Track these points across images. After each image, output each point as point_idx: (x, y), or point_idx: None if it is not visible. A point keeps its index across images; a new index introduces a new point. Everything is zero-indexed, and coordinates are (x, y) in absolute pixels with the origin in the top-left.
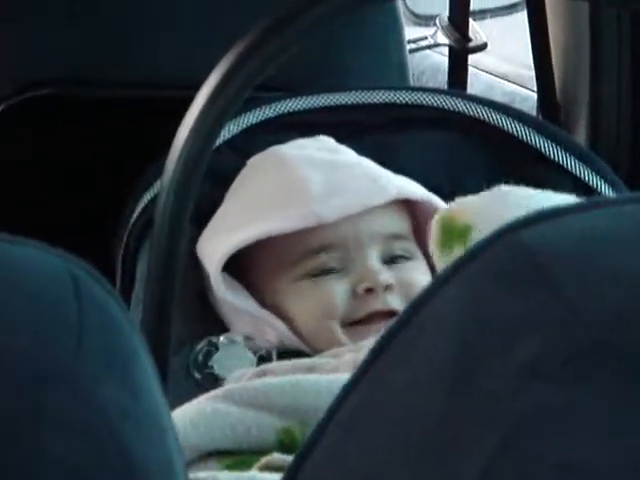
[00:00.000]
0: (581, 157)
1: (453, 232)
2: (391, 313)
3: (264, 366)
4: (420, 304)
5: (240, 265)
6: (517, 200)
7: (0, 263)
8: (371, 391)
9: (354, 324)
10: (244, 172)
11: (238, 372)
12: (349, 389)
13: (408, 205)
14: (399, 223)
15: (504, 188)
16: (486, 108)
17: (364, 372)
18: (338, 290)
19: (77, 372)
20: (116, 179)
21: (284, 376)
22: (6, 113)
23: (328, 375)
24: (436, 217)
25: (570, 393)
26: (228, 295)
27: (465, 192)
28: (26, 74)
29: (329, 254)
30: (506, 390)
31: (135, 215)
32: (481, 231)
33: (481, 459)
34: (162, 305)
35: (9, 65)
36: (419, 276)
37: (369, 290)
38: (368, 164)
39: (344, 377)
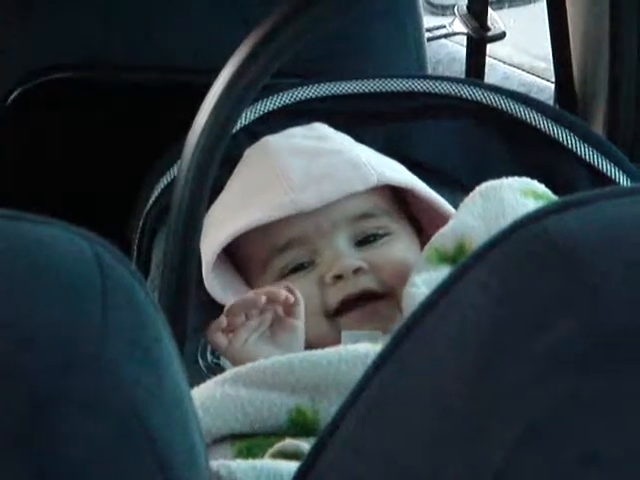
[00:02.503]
0: (598, 147)
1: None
2: (368, 294)
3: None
4: (444, 289)
5: (237, 257)
6: (514, 209)
7: (25, 243)
8: (394, 376)
9: (337, 314)
10: (239, 163)
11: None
12: (371, 374)
13: (394, 189)
14: (373, 203)
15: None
16: (503, 97)
17: (386, 357)
18: (308, 286)
19: (102, 353)
20: (132, 163)
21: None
22: (22, 97)
23: (336, 347)
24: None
25: (597, 380)
26: (224, 298)
27: (482, 180)
28: (42, 58)
29: (294, 251)
30: (532, 377)
31: (151, 201)
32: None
33: (505, 446)
34: (179, 291)
35: (25, 49)
36: (396, 251)
37: (338, 277)
38: (353, 150)
39: (352, 348)
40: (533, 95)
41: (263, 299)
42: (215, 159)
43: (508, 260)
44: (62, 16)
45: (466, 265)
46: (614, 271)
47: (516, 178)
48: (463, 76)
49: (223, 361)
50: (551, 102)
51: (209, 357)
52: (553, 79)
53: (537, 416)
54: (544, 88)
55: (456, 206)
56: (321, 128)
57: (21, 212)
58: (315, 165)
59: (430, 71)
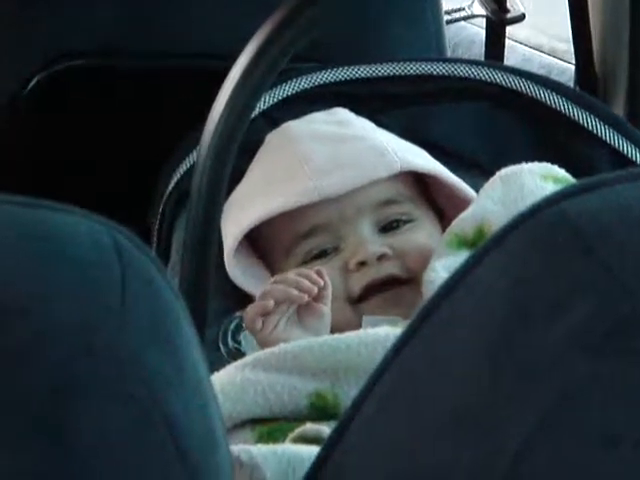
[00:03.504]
0: (618, 128)
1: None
2: (391, 280)
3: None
4: (463, 272)
5: (259, 243)
6: (534, 194)
7: (44, 230)
8: (413, 360)
9: (360, 300)
10: (261, 149)
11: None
12: (390, 358)
13: (416, 175)
14: (396, 190)
15: (516, 179)
16: (523, 79)
17: (406, 341)
18: (331, 272)
19: (122, 341)
20: (150, 149)
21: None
22: (41, 84)
23: (356, 331)
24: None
25: (616, 362)
26: (245, 283)
27: (502, 164)
28: (59, 46)
29: (318, 237)
30: (551, 360)
31: (170, 187)
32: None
33: (524, 429)
34: (199, 276)
35: (41, 37)
36: (420, 237)
37: (362, 263)
38: (376, 136)
39: (372, 332)
40: (553, 77)
41: (299, 281)
42: (233, 145)
43: (527, 243)
44: (77, 3)
45: (485, 248)
46: (631, 253)
47: (536, 163)
48: (482, 59)
49: (244, 346)
50: (571, 84)
51: (230, 342)
52: (573, 61)
53: (556, 398)
54: (564, 70)
55: (477, 189)
56: (342, 113)
57: (39, 199)
58: (338, 151)
59: (449, 54)
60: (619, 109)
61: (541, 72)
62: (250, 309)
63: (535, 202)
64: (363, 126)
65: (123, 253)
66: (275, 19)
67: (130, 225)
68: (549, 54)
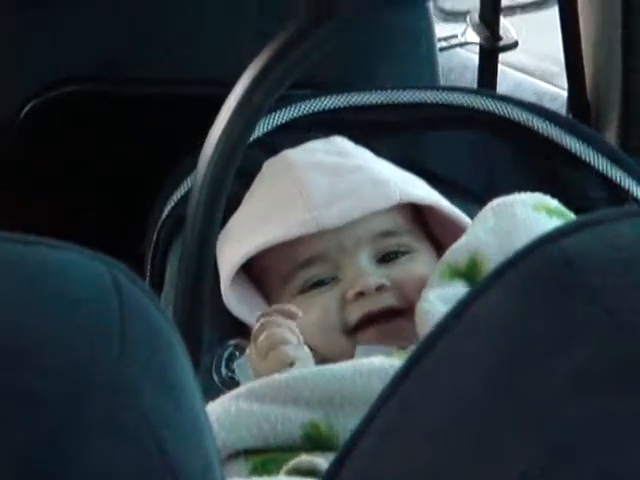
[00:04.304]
0: (612, 158)
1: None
2: (389, 311)
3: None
4: (462, 307)
5: (256, 272)
6: (527, 224)
7: (42, 268)
8: (413, 394)
9: (356, 330)
10: (258, 177)
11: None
12: (388, 392)
13: (414, 205)
14: (395, 221)
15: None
16: (517, 108)
17: (405, 374)
18: (329, 302)
19: (120, 379)
20: (146, 177)
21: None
22: (36, 110)
23: (350, 361)
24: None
25: (617, 403)
26: (241, 312)
27: (495, 192)
28: (56, 71)
29: (316, 267)
30: (552, 401)
31: (164, 214)
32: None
33: (525, 463)
34: (193, 305)
35: (38, 62)
36: (418, 268)
37: (360, 294)
38: (375, 167)
39: (367, 361)
40: (546, 103)
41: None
42: (229, 174)
43: (526, 279)
44: (76, 28)
45: (484, 284)
46: (630, 294)
47: (529, 193)
48: (475, 84)
49: (238, 374)
50: (563, 110)
51: (223, 371)
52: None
53: (556, 437)
54: (557, 96)
55: (471, 217)
56: (341, 142)
57: (37, 237)
58: (337, 182)
59: (442, 79)
60: (611, 136)
61: (533, 98)
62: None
63: (534, 239)
64: (362, 156)
65: (121, 290)
66: (273, 47)
67: (125, 253)
68: (543, 79)
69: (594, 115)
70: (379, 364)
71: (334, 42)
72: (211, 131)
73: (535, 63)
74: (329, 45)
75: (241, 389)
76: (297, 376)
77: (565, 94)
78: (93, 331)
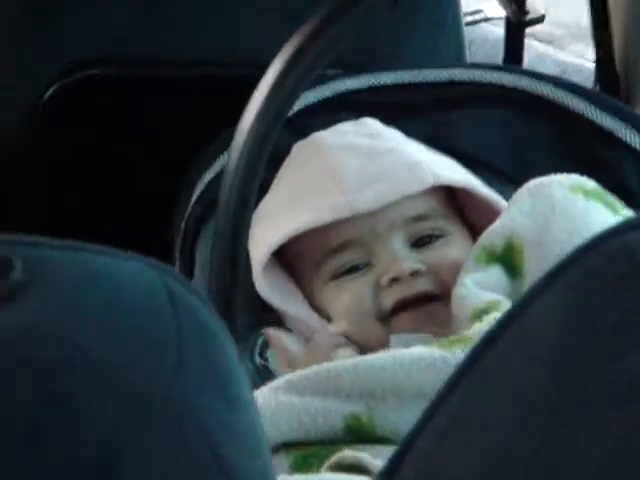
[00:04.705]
0: None
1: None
2: (423, 296)
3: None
4: (516, 312)
5: (288, 257)
6: (564, 206)
7: (92, 275)
8: (472, 393)
9: (391, 316)
10: (287, 160)
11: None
12: (443, 395)
13: (448, 188)
14: (429, 205)
15: (545, 192)
16: (549, 85)
17: (463, 374)
18: (362, 287)
19: (178, 389)
20: (169, 160)
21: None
22: (59, 93)
23: (389, 351)
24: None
25: None
26: (273, 299)
27: (529, 171)
28: (78, 54)
29: (349, 252)
30: (613, 402)
31: (192, 201)
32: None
33: (584, 471)
34: (227, 295)
35: (62, 44)
36: (453, 252)
37: (394, 279)
38: (408, 149)
39: (407, 352)
40: (569, 75)
41: None
42: (263, 159)
43: (588, 276)
44: (96, 11)
45: (545, 280)
46: None
47: (565, 175)
48: (498, 57)
49: (272, 363)
50: (588, 83)
51: (257, 359)
52: (589, 57)
53: (615, 442)
54: (581, 68)
55: (505, 197)
56: (372, 124)
57: (84, 243)
58: (370, 165)
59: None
60: None
61: (556, 70)
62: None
63: (595, 234)
64: (394, 138)
65: (175, 296)
66: (305, 30)
67: (152, 240)
68: (566, 50)
69: (623, 87)
70: (418, 354)
71: (367, 25)
72: (242, 117)
73: (558, 32)
74: (364, 26)
75: (279, 381)
76: (337, 367)
77: (589, 65)
78: (149, 342)
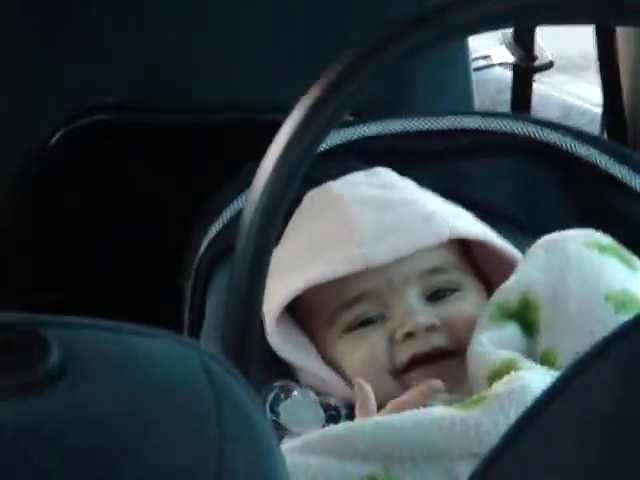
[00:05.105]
0: None
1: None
2: (439, 352)
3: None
4: (562, 385)
5: (301, 310)
6: (579, 262)
7: (132, 359)
8: (511, 468)
9: (405, 371)
10: (298, 210)
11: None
12: (487, 465)
13: (463, 240)
14: (444, 258)
15: (560, 247)
16: (559, 133)
17: (503, 448)
18: (377, 341)
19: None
20: (177, 207)
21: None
22: (66, 138)
23: (410, 411)
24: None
25: None
26: (285, 352)
27: (539, 221)
28: (86, 99)
29: (364, 304)
30: None
31: (203, 247)
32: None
33: None
34: (242, 350)
35: (68, 89)
36: (467, 307)
37: (409, 334)
38: (423, 200)
39: (426, 412)
40: (573, 117)
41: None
42: (280, 215)
43: (632, 356)
44: (107, 55)
45: (586, 360)
46: None
47: (580, 230)
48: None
49: (283, 419)
50: (592, 127)
51: (268, 415)
52: (592, 100)
53: None
54: (584, 111)
55: (519, 248)
56: (385, 174)
57: (123, 323)
58: (385, 217)
59: None
60: None
61: (559, 113)
62: None
63: None
64: (408, 188)
65: (216, 382)
66: (326, 80)
67: (163, 289)
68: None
69: (631, 133)
70: (439, 415)
71: (383, 77)
72: (260, 169)
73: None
74: (379, 80)
75: (296, 442)
76: (355, 428)
77: (592, 109)
78: (189, 436)
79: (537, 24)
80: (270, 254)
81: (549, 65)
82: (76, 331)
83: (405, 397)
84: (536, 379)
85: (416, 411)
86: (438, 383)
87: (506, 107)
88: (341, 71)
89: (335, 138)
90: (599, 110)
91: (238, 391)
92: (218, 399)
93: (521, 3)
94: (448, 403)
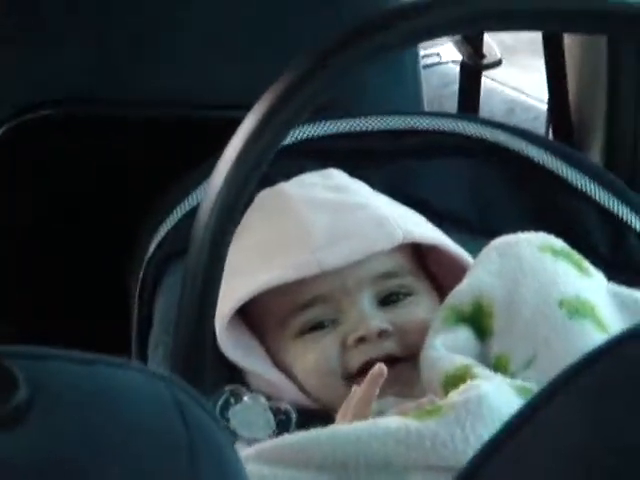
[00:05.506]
0: (608, 186)
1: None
2: (390, 358)
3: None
4: (531, 410)
5: (251, 313)
6: (533, 267)
7: (101, 392)
8: None
9: (355, 376)
10: (249, 210)
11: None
12: None
13: (415, 244)
14: (397, 262)
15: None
16: (508, 134)
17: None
18: (329, 346)
19: None
20: (121, 205)
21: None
22: (6, 135)
23: (365, 422)
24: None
25: None
26: (236, 356)
27: (488, 222)
28: (29, 94)
29: (316, 308)
30: None
31: (152, 248)
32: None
33: None
34: (196, 356)
35: (9, 86)
36: (420, 312)
37: (361, 339)
38: (376, 204)
39: (383, 423)
40: (517, 113)
41: None
42: (236, 218)
43: (604, 383)
44: (51, 51)
45: (554, 386)
46: None
47: (533, 233)
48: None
49: (233, 424)
50: (536, 123)
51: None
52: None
53: None
54: (529, 107)
55: (466, 249)
56: (338, 176)
57: (95, 354)
58: (339, 221)
59: None
60: (595, 156)
61: (504, 107)
62: None
63: (613, 336)
64: (361, 192)
65: (187, 416)
66: (280, 86)
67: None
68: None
69: (577, 135)
70: (395, 427)
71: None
72: (213, 177)
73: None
74: (333, 87)
75: (250, 451)
76: (310, 438)
77: (537, 105)
78: (160, 468)
79: (498, 30)
80: (224, 260)
81: (498, 63)
82: (44, 362)
83: (357, 395)
84: (492, 389)
85: (371, 421)
86: (381, 368)
87: (451, 101)
88: (302, 72)
89: (288, 138)
90: (544, 106)
91: (211, 429)
92: (190, 435)
93: (484, 8)
94: (400, 409)
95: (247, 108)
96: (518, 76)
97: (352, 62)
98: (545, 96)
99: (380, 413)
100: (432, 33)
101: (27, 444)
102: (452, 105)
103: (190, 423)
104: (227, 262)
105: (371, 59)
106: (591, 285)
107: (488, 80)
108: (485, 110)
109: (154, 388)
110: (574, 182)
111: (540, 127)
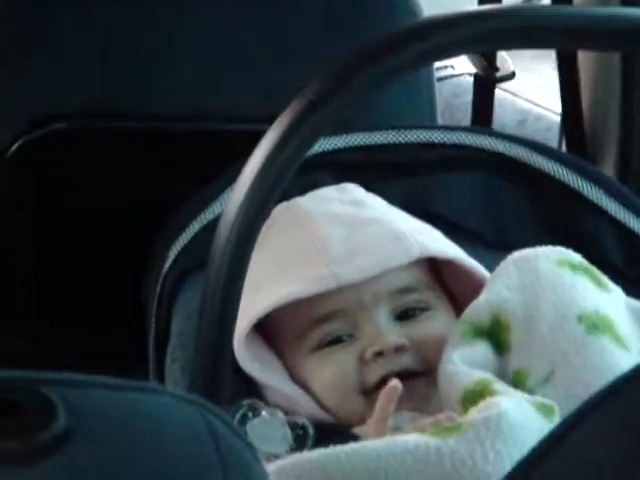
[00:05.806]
0: (622, 200)
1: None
2: (407, 373)
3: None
4: (558, 437)
5: (269, 328)
6: (551, 281)
7: (136, 417)
8: None
9: (373, 391)
10: (268, 224)
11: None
12: None
13: (432, 259)
14: (414, 277)
15: (532, 265)
16: (525, 148)
17: None
18: (346, 360)
19: None
20: (137, 217)
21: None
22: (24, 149)
23: (384, 439)
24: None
25: None
26: (253, 370)
27: (505, 236)
28: (43, 108)
29: (333, 323)
30: None
31: (168, 263)
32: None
33: None
34: (215, 371)
35: (25, 99)
36: (437, 328)
37: (379, 354)
38: (393, 219)
39: (401, 441)
40: (530, 124)
41: None
42: (257, 233)
43: (631, 409)
44: (62, 65)
45: (583, 413)
46: None
47: (551, 247)
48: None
49: (251, 437)
50: (549, 133)
51: None
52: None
53: None
54: (541, 117)
55: (482, 264)
56: (354, 191)
57: (126, 380)
58: (356, 236)
59: None
60: (609, 170)
61: (515, 118)
62: None
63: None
64: (377, 206)
65: (219, 439)
66: (300, 103)
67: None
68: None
69: (590, 148)
70: (414, 445)
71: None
72: (232, 196)
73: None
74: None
75: (272, 466)
76: (330, 455)
77: (549, 115)
78: None
79: (513, 48)
80: (245, 275)
81: (511, 76)
82: (80, 390)
83: (374, 416)
84: (512, 406)
85: (390, 438)
86: (395, 384)
87: (462, 111)
88: (325, 89)
89: None
90: (555, 117)
91: (244, 456)
92: (223, 463)
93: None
94: (417, 425)
95: (261, 121)
96: (519, 78)
97: (374, 81)
98: (555, 105)
99: (396, 429)
100: (451, 51)
101: (66, 472)
102: (462, 116)
103: (223, 450)
104: (247, 274)
105: (392, 78)
106: (610, 300)
107: (500, 91)
108: (497, 121)
109: (187, 414)
110: (590, 196)
111: (552, 138)
